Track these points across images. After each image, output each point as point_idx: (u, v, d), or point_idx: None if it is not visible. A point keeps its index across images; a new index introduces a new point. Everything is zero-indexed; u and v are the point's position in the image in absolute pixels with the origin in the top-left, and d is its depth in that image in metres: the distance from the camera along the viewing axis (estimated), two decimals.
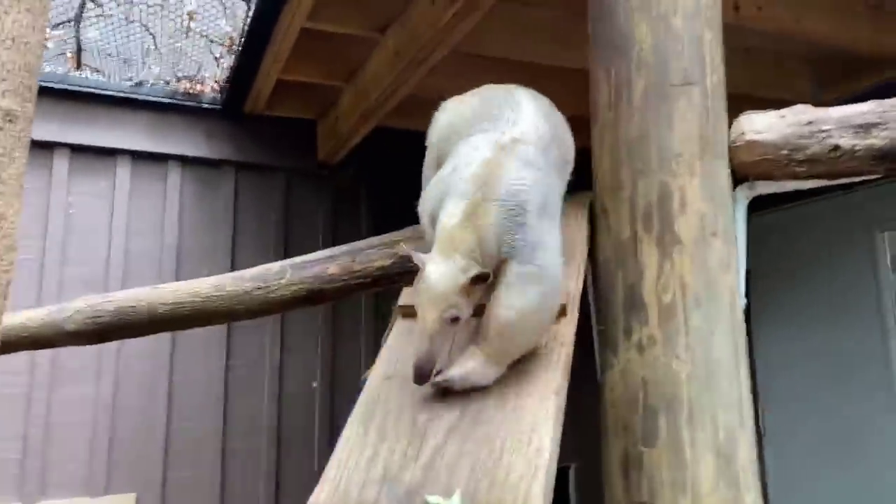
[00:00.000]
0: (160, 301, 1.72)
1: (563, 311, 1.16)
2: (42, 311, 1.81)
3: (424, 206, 1.34)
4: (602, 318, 1.35)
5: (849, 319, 3.35)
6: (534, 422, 1.00)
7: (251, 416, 3.30)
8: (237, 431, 3.26)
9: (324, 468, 1.00)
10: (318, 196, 3.66)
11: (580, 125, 1.54)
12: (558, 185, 1.35)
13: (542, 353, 1.11)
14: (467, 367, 1.14)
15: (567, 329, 1.14)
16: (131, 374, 3.18)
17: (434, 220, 1.25)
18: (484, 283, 1.11)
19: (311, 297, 1.65)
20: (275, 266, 1.69)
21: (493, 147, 1.26)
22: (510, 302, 1.14)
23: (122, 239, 3.23)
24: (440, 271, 1.11)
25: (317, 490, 0.97)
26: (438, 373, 1.12)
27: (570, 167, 1.49)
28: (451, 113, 1.53)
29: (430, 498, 0.90)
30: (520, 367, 1.10)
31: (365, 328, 3.56)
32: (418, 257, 1.16)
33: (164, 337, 3.23)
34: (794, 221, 3.54)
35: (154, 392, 3.18)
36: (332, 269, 1.64)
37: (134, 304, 1.75)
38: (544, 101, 1.45)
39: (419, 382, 1.10)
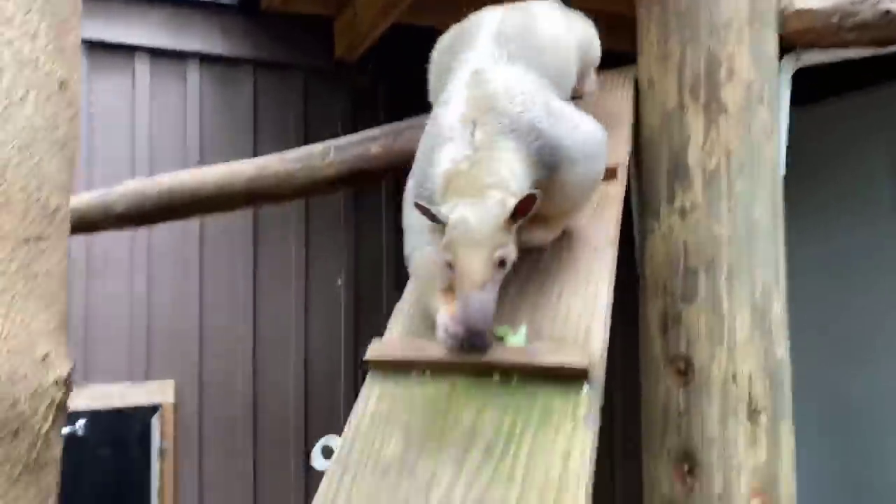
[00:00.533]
0: (205, 182, 1.77)
1: (613, 174, 1.21)
2: (90, 194, 1.86)
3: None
4: (644, 188, 1.40)
5: (869, 219, 3.41)
6: (588, 270, 1.07)
7: (278, 312, 3.43)
8: (266, 325, 3.40)
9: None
10: (335, 95, 3.65)
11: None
12: (547, 83, 1.20)
13: (595, 211, 1.16)
14: (530, 232, 1.09)
15: (617, 189, 1.19)
16: (163, 273, 3.27)
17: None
18: (528, 212, 0.98)
19: (353, 177, 1.69)
20: (318, 147, 1.73)
21: (465, 84, 1.13)
22: (570, 177, 1.10)
23: (146, 138, 3.26)
24: (478, 211, 0.97)
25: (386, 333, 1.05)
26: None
27: (566, 77, 1.31)
28: (437, 47, 1.39)
29: (499, 329, 0.97)
30: (572, 223, 1.16)
31: (385, 225, 3.64)
32: (437, 209, 1.00)
33: (193, 237, 3.32)
34: (814, 122, 3.53)
35: (185, 290, 3.29)
36: (375, 149, 1.67)
37: (180, 186, 1.80)
38: (514, 17, 1.28)
39: (476, 348, 0.94)
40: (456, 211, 0.98)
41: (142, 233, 3.18)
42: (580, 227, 1.14)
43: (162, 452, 3.22)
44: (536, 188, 1.00)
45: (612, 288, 1.05)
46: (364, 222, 3.67)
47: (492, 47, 1.21)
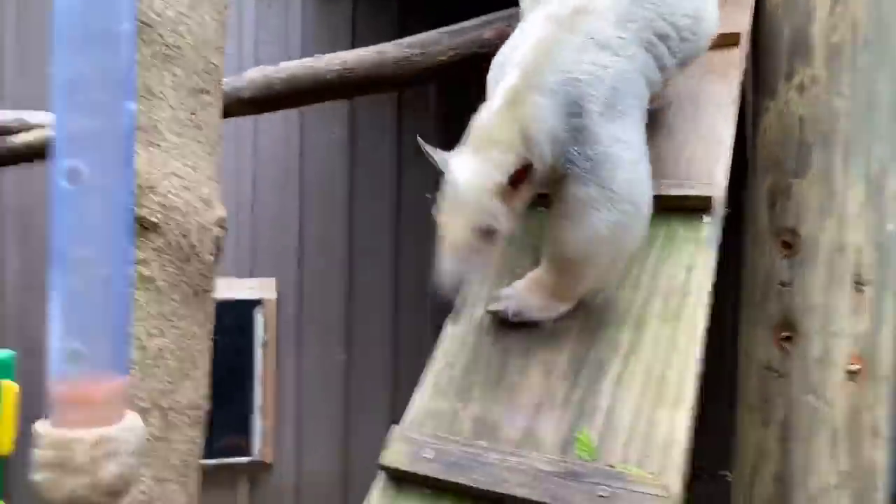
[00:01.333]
0: (328, 68, 1.89)
1: (735, 41, 1.23)
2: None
3: (489, 88, 1.04)
4: (760, 65, 1.41)
5: None
6: (712, 124, 1.11)
7: (373, 218, 3.60)
8: (363, 231, 3.58)
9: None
10: None
11: None
12: (645, 68, 1.00)
13: (717, 73, 1.19)
14: (526, 301, 0.97)
15: (738, 55, 1.21)
16: (266, 178, 3.49)
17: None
18: (527, 180, 0.89)
19: (468, 61, 1.76)
20: (432, 34, 1.81)
21: (549, 21, 0.98)
22: (572, 233, 0.92)
23: (252, 46, 3.42)
24: (469, 168, 0.89)
25: None
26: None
27: (680, 41, 1.03)
28: None
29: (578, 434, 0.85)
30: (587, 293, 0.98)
31: None
32: (440, 154, 0.93)
33: (294, 146, 3.51)
34: None
35: (286, 195, 3.51)
36: (488, 33, 1.74)
37: (303, 73, 1.92)
38: None
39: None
40: (452, 166, 0.90)
41: (247, 139, 3.39)
42: (704, 89, 1.18)
43: (265, 344, 3.49)
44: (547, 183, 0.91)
45: (733, 139, 1.10)
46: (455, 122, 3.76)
47: None
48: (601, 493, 0.67)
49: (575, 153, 0.90)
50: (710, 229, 0.92)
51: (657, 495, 0.66)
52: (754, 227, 1.39)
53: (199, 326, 1.30)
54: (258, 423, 3.49)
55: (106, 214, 0.55)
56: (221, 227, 1.41)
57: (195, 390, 1.31)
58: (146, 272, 1.19)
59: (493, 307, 0.97)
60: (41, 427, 0.59)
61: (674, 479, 0.70)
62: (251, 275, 3.47)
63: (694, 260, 0.89)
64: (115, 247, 0.56)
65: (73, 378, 0.55)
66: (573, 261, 0.93)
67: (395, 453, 0.83)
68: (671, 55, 1.02)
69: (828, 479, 1.26)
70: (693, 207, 0.94)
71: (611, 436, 0.75)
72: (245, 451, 3.42)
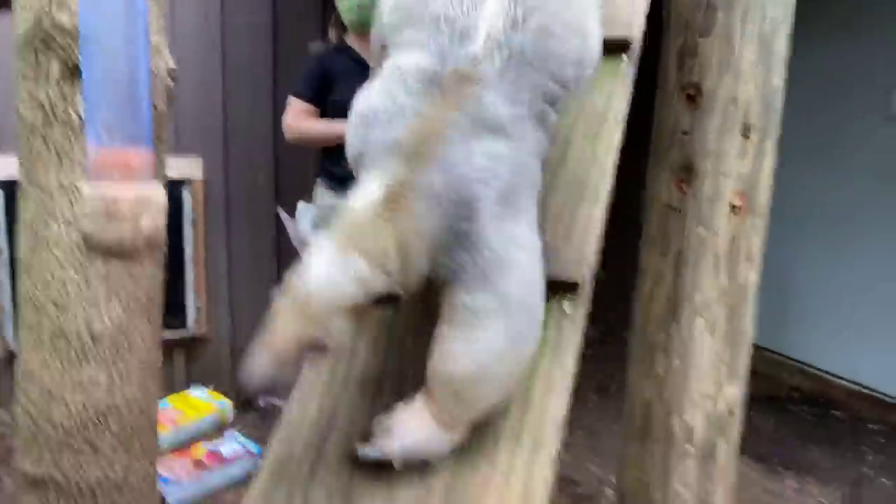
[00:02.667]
0: None
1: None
2: None
3: (350, 145, 0.91)
4: None
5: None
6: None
7: None
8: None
9: None
10: None
11: None
12: (539, 147, 0.88)
13: None
14: (413, 435, 0.84)
15: None
16: (186, 56, 3.38)
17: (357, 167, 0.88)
18: (387, 308, 0.79)
19: None
20: None
21: (430, 88, 0.82)
22: (461, 349, 0.81)
23: None
24: (326, 275, 0.76)
25: None
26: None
27: (566, 96, 0.91)
28: None
29: None
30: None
31: None
32: (301, 231, 0.86)
33: (215, 24, 3.39)
34: None
35: (209, 74, 3.42)
36: None
37: None
38: None
39: (241, 407, 0.84)
40: (311, 258, 0.77)
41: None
42: None
43: (193, 222, 3.51)
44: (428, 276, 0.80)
45: None
46: None
47: (502, 26, 0.82)
48: None
49: (463, 259, 0.78)
50: (627, 66, 1.08)
51: (576, 260, 0.85)
52: (664, 83, 1.57)
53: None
54: (192, 300, 3.57)
55: (128, 7, 0.63)
56: (172, 77, 1.45)
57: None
58: None
59: (370, 452, 0.83)
60: (87, 187, 0.69)
61: (590, 255, 0.89)
62: (175, 153, 3.43)
63: (613, 89, 1.05)
64: (136, 38, 0.64)
65: (110, 147, 0.65)
66: (467, 383, 0.81)
67: None
68: (556, 114, 0.90)
69: (710, 295, 1.52)
70: (614, 48, 1.08)
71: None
72: (180, 326, 3.51)
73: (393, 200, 0.78)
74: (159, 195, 0.70)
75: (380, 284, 0.76)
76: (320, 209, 0.78)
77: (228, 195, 3.56)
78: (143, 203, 0.67)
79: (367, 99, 0.89)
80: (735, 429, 1.60)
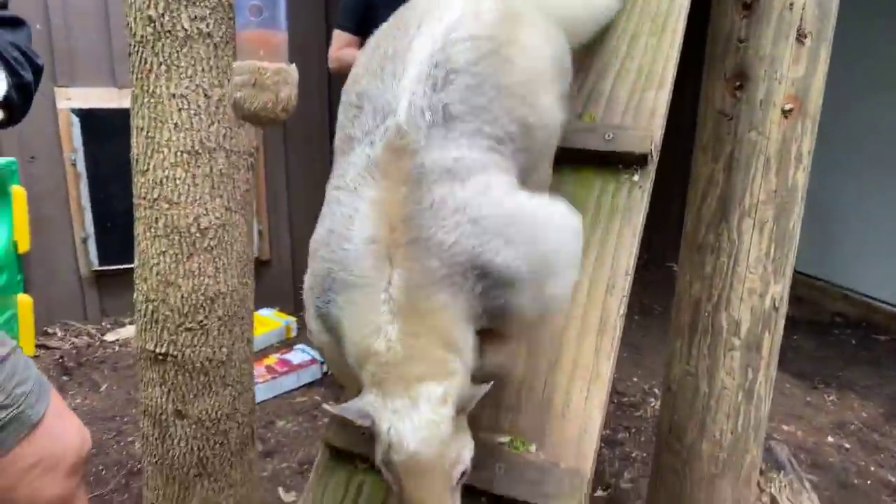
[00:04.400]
0: None
1: None
2: None
3: (317, 273, 0.85)
4: None
5: None
6: None
7: None
8: None
9: None
10: None
11: None
12: (509, 152, 0.87)
13: None
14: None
15: None
16: None
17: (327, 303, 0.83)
18: (475, 401, 0.78)
19: None
20: None
21: (369, 172, 0.81)
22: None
23: None
24: (416, 426, 0.74)
25: None
26: None
27: (544, 128, 0.92)
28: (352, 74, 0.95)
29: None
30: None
31: None
32: (360, 411, 0.77)
33: None
34: None
35: None
36: None
37: None
38: (474, 25, 0.86)
39: None
40: (387, 422, 0.75)
41: None
42: None
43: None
44: (485, 331, 0.81)
45: None
46: None
47: (424, 91, 0.81)
48: (607, 137, 0.96)
49: (497, 310, 0.81)
50: None
51: (643, 136, 0.96)
52: None
53: None
54: (254, 226, 3.77)
55: None
56: None
57: (248, 138, 1.55)
58: (204, 28, 1.37)
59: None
60: (238, 63, 0.83)
61: (656, 133, 1.00)
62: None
63: None
64: None
65: (255, 29, 0.78)
66: (534, 323, 0.87)
67: None
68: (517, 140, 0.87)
69: (760, 197, 1.61)
70: None
71: (611, 110, 1.04)
72: None
73: (410, 312, 0.76)
74: (293, 71, 0.83)
75: (456, 386, 0.76)
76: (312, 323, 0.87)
77: (285, 123, 3.71)
78: (282, 76, 0.81)
79: (322, 225, 0.86)
80: (780, 324, 1.71)
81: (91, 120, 3.28)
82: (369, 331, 0.77)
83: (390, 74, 0.83)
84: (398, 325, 0.76)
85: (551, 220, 0.85)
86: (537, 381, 0.98)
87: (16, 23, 1.09)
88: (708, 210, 1.68)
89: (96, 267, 3.45)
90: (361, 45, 2.57)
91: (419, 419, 0.74)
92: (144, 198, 1.45)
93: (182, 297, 1.47)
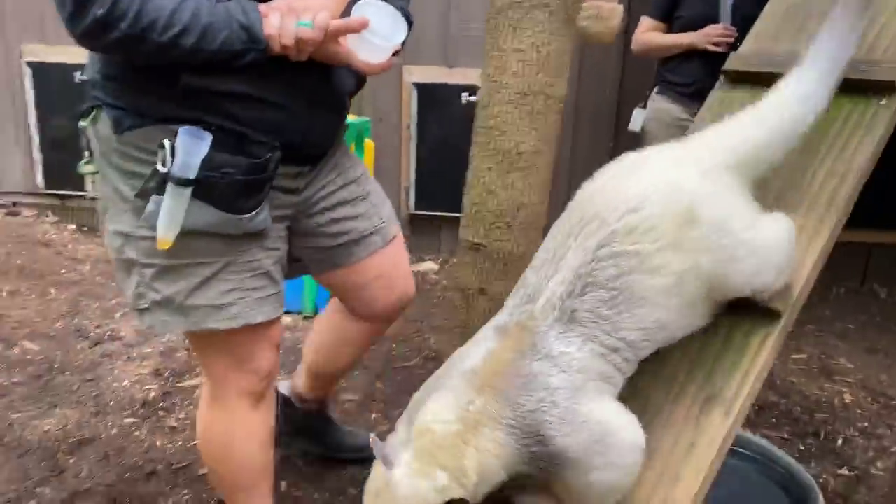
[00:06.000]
0: None
1: None
2: None
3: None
4: None
5: None
6: None
7: None
8: None
9: None
10: None
11: None
12: (599, 373, 1.01)
13: None
14: None
15: None
16: None
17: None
18: None
19: None
20: None
21: (498, 333, 1.04)
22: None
23: None
24: (411, 487, 0.94)
25: None
26: None
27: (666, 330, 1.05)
28: None
29: None
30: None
31: None
32: (386, 454, 0.97)
33: None
34: None
35: None
36: None
37: None
38: (631, 238, 0.99)
39: None
40: (395, 471, 0.95)
41: None
42: None
43: None
44: (521, 482, 0.98)
45: None
46: None
47: (561, 295, 1.01)
48: (861, 69, 1.17)
49: (543, 458, 0.97)
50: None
51: (892, 68, 1.16)
52: None
53: (569, 42, 1.93)
54: None
55: None
56: None
57: (562, 88, 1.98)
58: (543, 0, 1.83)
59: None
60: (586, 3, 1.26)
61: None
62: None
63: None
64: None
65: None
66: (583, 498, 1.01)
67: None
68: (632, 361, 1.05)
69: None
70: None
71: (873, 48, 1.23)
72: None
73: (473, 427, 0.95)
74: (620, 9, 1.24)
75: (456, 495, 0.93)
76: (413, 402, 1.11)
77: (577, 101, 4.13)
78: (614, 11, 1.22)
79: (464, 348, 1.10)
80: None
81: (425, 92, 4.09)
82: (442, 418, 0.97)
83: (544, 276, 1.03)
84: (456, 432, 0.95)
85: (620, 434, 1.01)
86: None
87: None
88: None
89: (412, 210, 4.29)
90: (665, 30, 2.90)
91: (416, 479, 0.93)
92: (482, 126, 1.98)
93: (497, 202, 1.98)
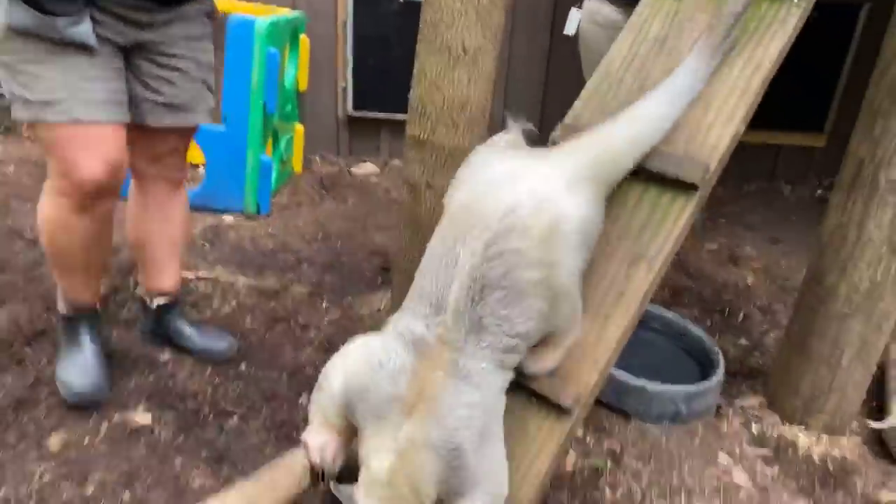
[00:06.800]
0: None
1: None
2: None
3: (350, 385, 1.16)
4: None
5: None
6: None
7: None
8: None
9: None
10: None
11: None
12: (503, 382, 1.17)
13: None
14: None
15: None
16: None
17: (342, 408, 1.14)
18: None
19: None
20: None
21: (420, 349, 1.10)
22: None
23: None
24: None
25: None
26: None
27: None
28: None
29: None
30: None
31: None
32: (343, 493, 1.11)
33: None
34: None
35: None
36: None
37: None
38: (513, 240, 1.09)
39: None
40: None
41: None
42: None
43: None
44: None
45: None
46: None
47: (466, 303, 1.09)
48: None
49: (456, 483, 1.06)
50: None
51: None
52: None
53: None
54: None
55: None
56: None
57: None
58: None
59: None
60: None
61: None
62: None
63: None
64: None
65: None
66: None
67: None
68: (518, 352, 1.17)
69: None
70: None
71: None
72: None
73: (405, 457, 1.04)
74: None
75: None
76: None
77: (515, 4, 4.13)
78: None
79: (373, 350, 1.14)
80: None
81: None
82: (381, 459, 1.06)
83: (443, 283, 1.11)
84: (395, 463, 1.04)
85: (503, 464, 1.16)
86: None
87: None
88: (887, 82, 1.90)
89: (350, 112, 4.28)
90: None
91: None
92: (427, 22, 2.02)
93: (443, 98, 2.06)
